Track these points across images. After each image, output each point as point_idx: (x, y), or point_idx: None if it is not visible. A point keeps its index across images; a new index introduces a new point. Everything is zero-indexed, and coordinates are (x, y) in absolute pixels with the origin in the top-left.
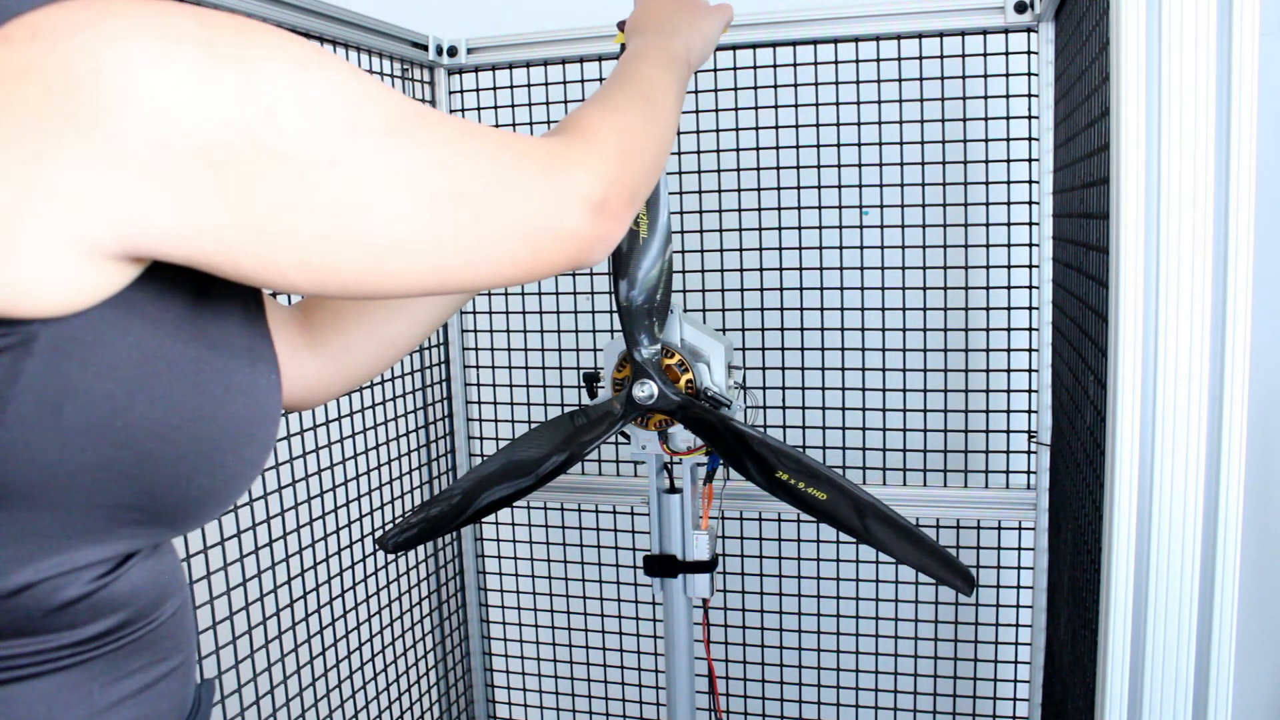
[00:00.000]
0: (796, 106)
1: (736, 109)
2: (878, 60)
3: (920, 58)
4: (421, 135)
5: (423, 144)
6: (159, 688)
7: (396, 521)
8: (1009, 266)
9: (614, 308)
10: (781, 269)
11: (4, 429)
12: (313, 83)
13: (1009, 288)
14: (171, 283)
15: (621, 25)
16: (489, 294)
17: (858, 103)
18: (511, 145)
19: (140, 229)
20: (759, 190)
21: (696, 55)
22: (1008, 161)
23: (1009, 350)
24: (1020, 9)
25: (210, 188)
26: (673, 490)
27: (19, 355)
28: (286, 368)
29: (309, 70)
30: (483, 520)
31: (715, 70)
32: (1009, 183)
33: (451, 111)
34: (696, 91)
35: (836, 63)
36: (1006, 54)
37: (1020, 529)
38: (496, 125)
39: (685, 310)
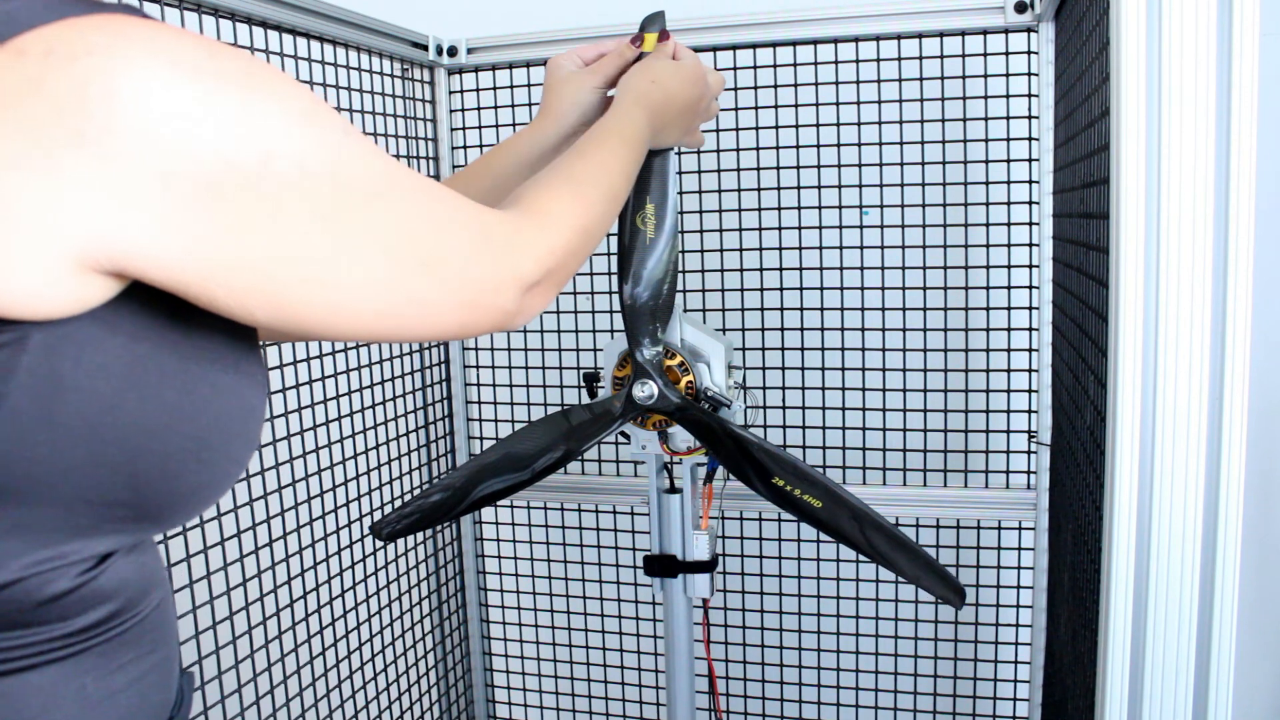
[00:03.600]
0: (796, 106)
1: (736, 109)
2: (878, 60)
3: (920, 58)
4: (400, 201)
5: (399, 210)
6: (149, 680)
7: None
8: (1009, 267)
9: (614, 307)
10: (781, 269)
11: (0, 423)
12: (310, 137)
13: (1009, 288)
14: (154, 295)
15: (643, 27)
16: None
17: (858, 103)
18: (474, 221)
19: (127, 249)
20: (759, 190)
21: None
22: (1008, 161)
23: (1009, 350)
24: (1020, 9)
25: (199, 220)
26: (673, 490)
27: (14, 351)
28: None
29: (308, 124)
30: (483, 520)
31: (715, 70)
32: (1009, 183)
33: (452, 112)
34: None
35: (836, 63)
36: (1006, 54)
37: (1020, 529)
38: (496, 125)
39: (685, 310)
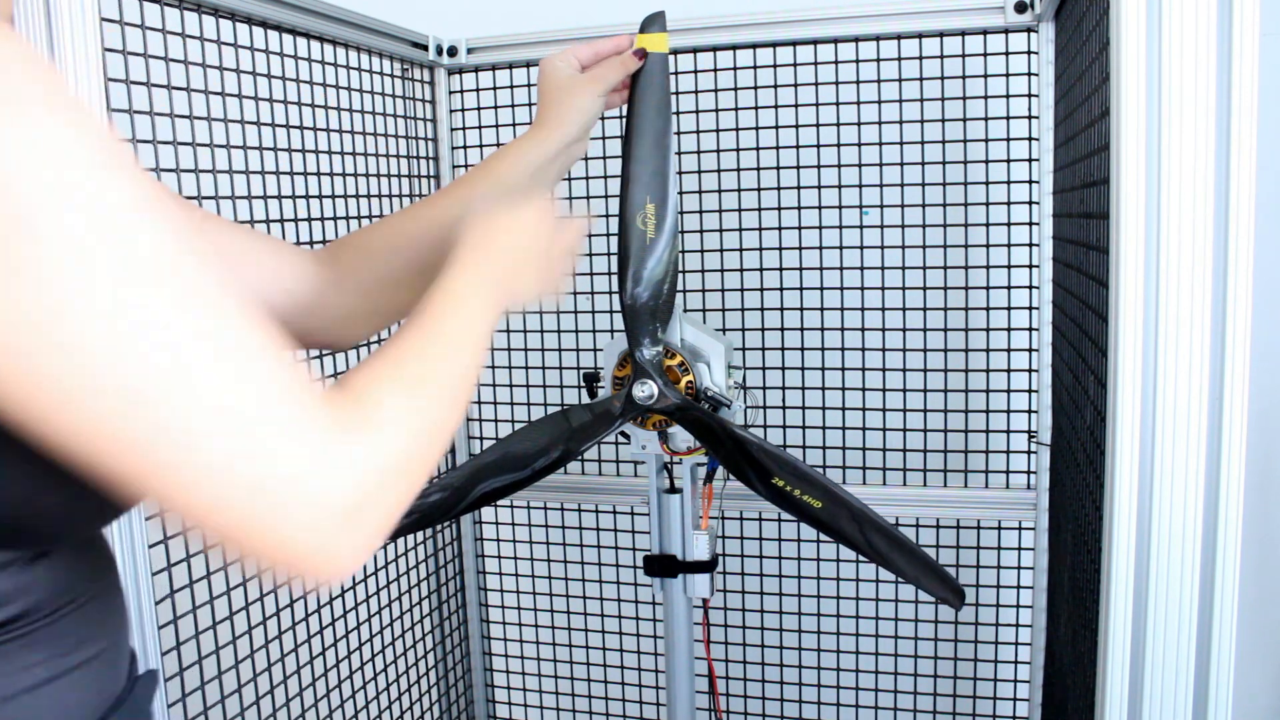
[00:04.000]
0: (796, 106)
1: (736, 109)
2: (878, 60)
3: (920, 58)
4: (193, 318)
5: (184, 329)
6: (69, 679)
7: None
8: (1009, 266)
9: (614, 307)
10: (781, 269)
11: None
12: (87, 188)
13: (1009, 288)
14: None
15: (643, 29)
16: None
17: (858, 103)
18: (287, 384)
19: None
20: (759, 190)
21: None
22: (1008, 161)
23: (1009, 350)
24: (1020, 9)
25: None
26: (673, 490)
27: None
28: (312, 307)
29: (95, 171)
30: (483, 520)
31: (715, 70)
32: (1009, 183)
33: (452, 112)
34: (696, 91)
35: (836, 63)
36: (1006, 54)
37: (1020, 529)
38: (497, 126)
39: (685, 310)
